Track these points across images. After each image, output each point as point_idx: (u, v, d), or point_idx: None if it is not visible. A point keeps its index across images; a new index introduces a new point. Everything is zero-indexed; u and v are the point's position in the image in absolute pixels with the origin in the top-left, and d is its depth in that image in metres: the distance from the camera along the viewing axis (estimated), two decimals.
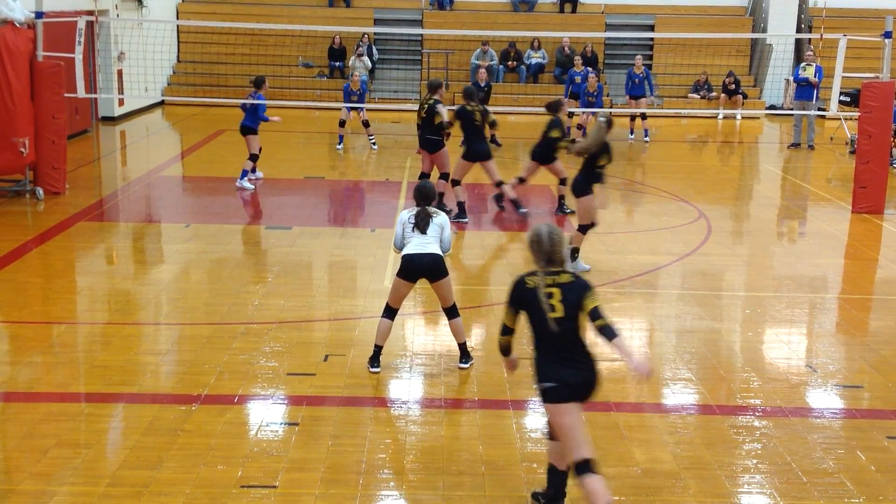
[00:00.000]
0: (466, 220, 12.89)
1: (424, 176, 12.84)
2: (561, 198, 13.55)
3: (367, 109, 19.44)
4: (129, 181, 15.99)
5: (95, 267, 11.01)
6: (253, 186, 14.96)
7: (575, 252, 10.64)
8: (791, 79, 22.19)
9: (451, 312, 7.91)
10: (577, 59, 21.76)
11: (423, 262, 7.62)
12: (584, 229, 10.67)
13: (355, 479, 6.07)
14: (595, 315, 5.40)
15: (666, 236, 12.51)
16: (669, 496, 5.99)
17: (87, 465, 6.17)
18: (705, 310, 9.73)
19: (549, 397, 5.42)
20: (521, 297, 5.48)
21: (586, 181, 10.48)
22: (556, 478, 5.72)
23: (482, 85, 19.31)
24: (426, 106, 13.01)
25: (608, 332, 5.44)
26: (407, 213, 7.84)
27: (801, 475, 6.28)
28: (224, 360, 7.93)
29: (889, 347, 8.74)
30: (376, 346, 7.87)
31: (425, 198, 7.81)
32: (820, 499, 6.02)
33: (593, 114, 19.04)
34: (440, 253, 7.71)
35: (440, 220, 7.79)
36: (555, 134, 12.82)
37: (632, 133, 20.97)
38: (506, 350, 5.78)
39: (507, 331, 5.65)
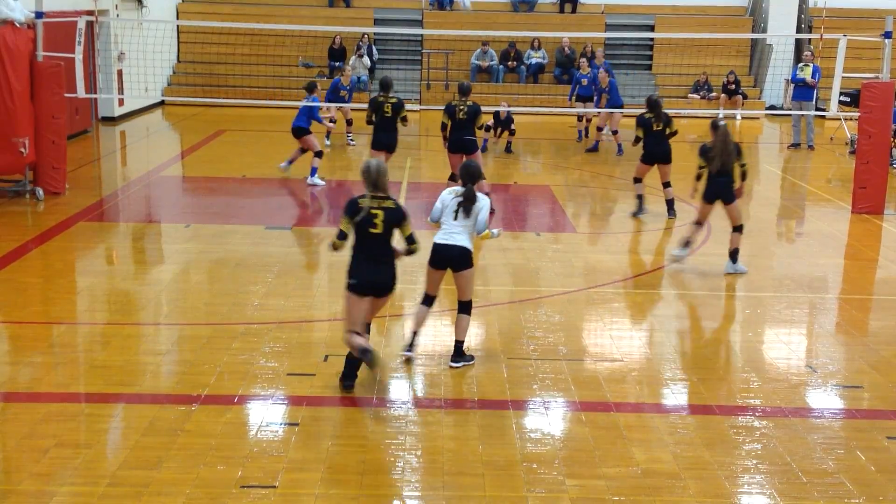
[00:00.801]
0: None
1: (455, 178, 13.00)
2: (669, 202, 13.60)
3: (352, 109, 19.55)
4: (129, 181, 15.99)
5: (95, 267, 11.01)
6: (323, 182, 15.13)
7: (735, 253, 10.80)
8: (790, 79, 22.20)
9: (464, 307, 8.00)
10: (583, 62, 21.35)
11: (450, 253, 7.83)
12: (739, 229, 10.84)
13: (355, 479, 6.07)
14: (410, 241, 7.34)
15: (665, 236, 12.50)
16: (669, 496, 5.99)
17: (87, 465, 6.17)
18: (705, 310, 9.73)
19: (351, 289, 7.24)
20: (354, 211, 7.20)
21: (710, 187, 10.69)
22: (351, 363, 7.35)
23: (502, 119, 18.77)
24: (464, 108, 13.08)
25: (413, 252, 7.41)
26: (447, 194, 7.95)
27: (801, 475, 6.28)
28: (224, 361, 7.93)
29: (889, 347, 8.74)
30: (412, 332, 8.07)
31: (472, 177, 7.93)
32: (820, 499, 6.02)
33: (611, 113, 18.96)
34: (467, 245, 7.84)
35: (480, 203, 7.90)
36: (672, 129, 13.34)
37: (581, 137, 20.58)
38: (336, 247, 7.36)
39: (342, 235, 7.29)
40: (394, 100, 13.61)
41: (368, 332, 7.57)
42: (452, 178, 13.19)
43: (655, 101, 13.54)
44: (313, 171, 15.08)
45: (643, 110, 13.48)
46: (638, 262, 11.38)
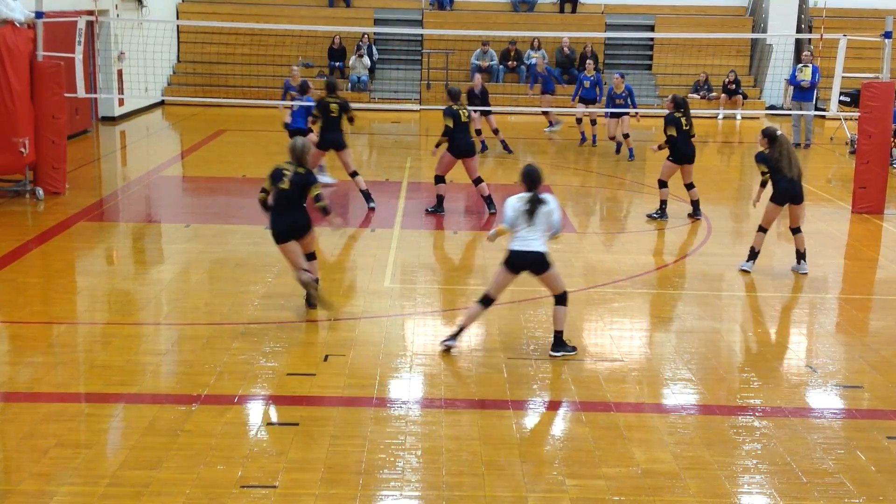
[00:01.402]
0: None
1: (480, 181, 13.36)
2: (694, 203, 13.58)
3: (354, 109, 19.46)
4: (129, 181, 15.99)
5: (95, 267, 11.01)
6: (335, 179, 15.17)
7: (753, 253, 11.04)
8: (789, 80, 22.20)
9: (560, 299, 8.21)
10: (589, 63, 20.58)
11: (527, 259, 8.04)
12: (762, 230, 11.05)
13: (355, 479, 6.07)
14: (318, 199, 8.91)
15: (666, 236, 12.51)
16: (669, 496, 5.99)
17: (87, 465, 6.17)
18: (705, 310, 9.73)
19: (274, 238, 8.90)
20: (275, 174, 8.87)
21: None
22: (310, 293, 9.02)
23: (476, 92, 18.15)
24: (467, 112, 13.32)
25: (325, 211, 9.00)
26: (516, 200, 8.07)
27: (801, 475, 6.28)
28: (224, 360, 7.93)
29: (889, 347, 8.74)
30: (460, 326, 8.26)
31: (535, 181, 8.09)
32: (820, 499, 6.02)
33: (620, 118, 18.44)
34: (543, 250, 8.03)
35: (549, 206, 8.05)
36: None
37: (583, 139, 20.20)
38: (263, 203, 8.96)
39: (264, 191, 8.93)
40: (339, 100, 13.71)
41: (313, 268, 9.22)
42: (441, 181, 13.23)
43: (683, 100, 13.54)
44: (320, 169, 15.10)
45: (667, 111, 13.43)
46: (638, 262, 11.38)
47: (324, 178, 15.04)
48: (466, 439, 6.66)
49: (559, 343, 8.24)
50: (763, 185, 10.96)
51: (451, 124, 13.02)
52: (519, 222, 8.03)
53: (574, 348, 8.29)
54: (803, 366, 8.31)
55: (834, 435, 6.95)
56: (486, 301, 8.26)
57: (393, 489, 6.01)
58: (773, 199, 10.82)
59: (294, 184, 8.81)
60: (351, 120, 13.83)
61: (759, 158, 10.81)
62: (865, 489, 6.13)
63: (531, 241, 8.00)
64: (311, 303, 9.14)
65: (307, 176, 8.91)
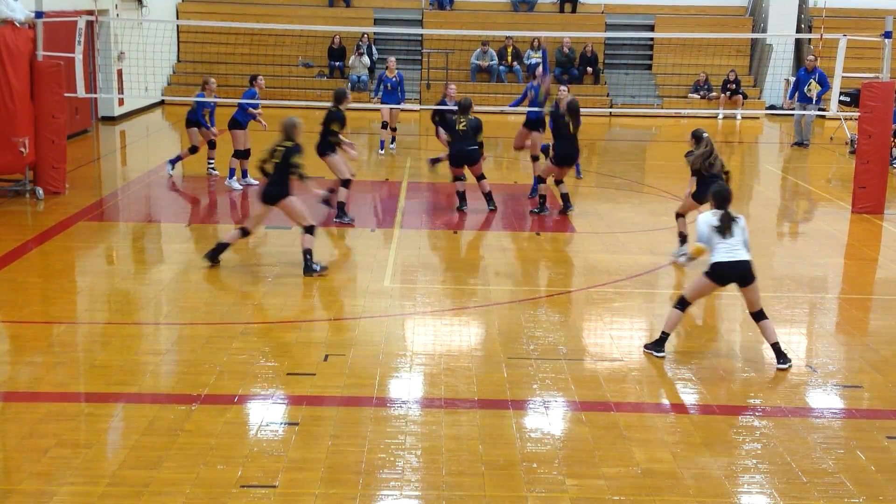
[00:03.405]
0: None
1: (482, 177, 13.57)
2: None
3: (362, 110, 19.41)
4: (129, 181, 15.99)
5: (95, 267, 11.01)
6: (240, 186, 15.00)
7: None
8: (790, 79, 22.21)
9: (759, 315, 8.18)
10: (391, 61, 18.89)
11: (735, 270, 8.01)
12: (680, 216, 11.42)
13: (355, 479, 6.07)
14: (294, 167, 10.30)
15: (666, 236, 12.49)
16: (669, 496, 5.99)
17: (87, 465, 6.17)
18: (705, 310, 9.73)
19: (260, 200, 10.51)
20: (272, 149, 10.35)
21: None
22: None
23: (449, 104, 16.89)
24: (464, 121, 13.39)
25: (301, 177, 10.39)
26: (710, 216, 8.16)
27: (801, 475, 6.28)
28: (224, 360, 7.93)
29: (889, 347, 8.74)
30: (663, 332, 8.25)
31: (726, 200, 8.22)
32: (820, 499, 6.02)
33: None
34: (749, 259, 8.04)
35: (742, 222, 8.16)
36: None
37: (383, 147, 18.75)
38: (262, 170, 10.50)
39: (263, 161, 10.45)
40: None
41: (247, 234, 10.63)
42: (459, 179, 13.39)
43: (574, 104, 13.33)
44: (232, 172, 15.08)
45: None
46: (638, 262, 11.37)
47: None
48: (466, 439, 6.66)
49: (781, 353, 8.13)
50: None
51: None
52: (715, 237, 8.06)
53: (789, 360, 8.15)
54: (803, 366, 8.31)
55: (834, 435, 6.95)
56: (683, 304, 8.26)
57: (393, 489, 6.00)
58: (694, 196, 11.23)
59: (283, 158, 10.24)
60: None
61: (689, 156, 11.27)
62: (865, 489, 6.13)
63: (738, 251, 8.01)
64: (211, 257, 10.58)
65: (296, 148, 10.33)
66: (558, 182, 13.59)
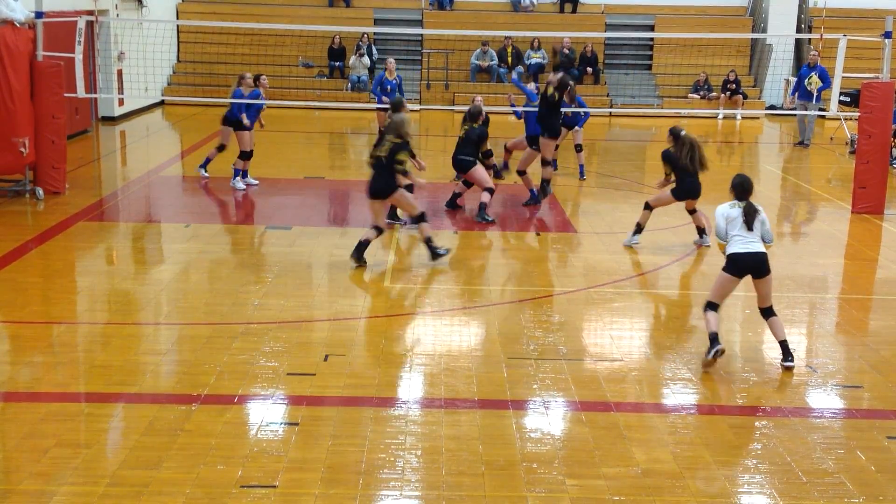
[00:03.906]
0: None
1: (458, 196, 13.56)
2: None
3: (361, 110, 19.37)
4: (129, 181, 15.99)
5: (95, 267, 11.01)
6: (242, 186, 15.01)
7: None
8: (791, 79, 22.21)
9: (769, 312, 8.19)
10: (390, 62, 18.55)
11: (750, 261, 8.03)
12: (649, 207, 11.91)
13: (355, 479, 6.07)
14: (399, 163, 10.66)
15: (666, 236, 12.50)
16: (669, 496, 5.98)
17: (87, 465, 6.17)
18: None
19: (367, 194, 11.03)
20: (378, 142, 10.87)
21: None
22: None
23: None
24: (466, 128, 13.20)
25: (403, 172, 10.77)
26: (728, 208, 8.18)
27: (801, 475, 6.28)
28: (224, 360, 7.93)
29: (889, 347, 8.74)
30: (711, 334, 8.01)
31: (748, 191, 8.21)
32: (820, 499, 6.02)
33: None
34: (765, 251, 8.10)
35: (762, 215, 8.17)
36: None
37: None
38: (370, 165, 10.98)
39: (371, 157, 10.90)
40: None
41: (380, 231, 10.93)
42: (467, 184, 13.30)
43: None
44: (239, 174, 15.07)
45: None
46: (638, 262, 11.38)
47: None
48: (466, 439, 6.66)
49: (787, 351, 8.11)
50: (667, 175, 11.73)
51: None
52: (738, 227, 8.08)
53: (792, 357, 8.11)
54: (803, 366, 8.31)
55: (834, 435, 6.95)
56: (715, 307, 8.16)
57: (393, 489, 6.00)
58: (673, 192, 11.59)
59: (390, 154, 10.62)
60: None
61: (664, 156, 11.57)
62: (865, 489, 6.13)
63: (754, 243, 8.05)
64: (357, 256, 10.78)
65: (402, 145, 10.69)
66: (546, 163, 13.59)
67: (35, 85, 13.68)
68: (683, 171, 11.43)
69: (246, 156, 14.93)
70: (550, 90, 13.27)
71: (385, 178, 10.67)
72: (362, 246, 10.78)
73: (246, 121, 14.74)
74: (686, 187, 11.61)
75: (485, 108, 13.57)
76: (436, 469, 6.23)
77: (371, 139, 20.44)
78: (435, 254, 10.82)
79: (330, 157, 18.90)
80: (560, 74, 13.59)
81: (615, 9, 27.40)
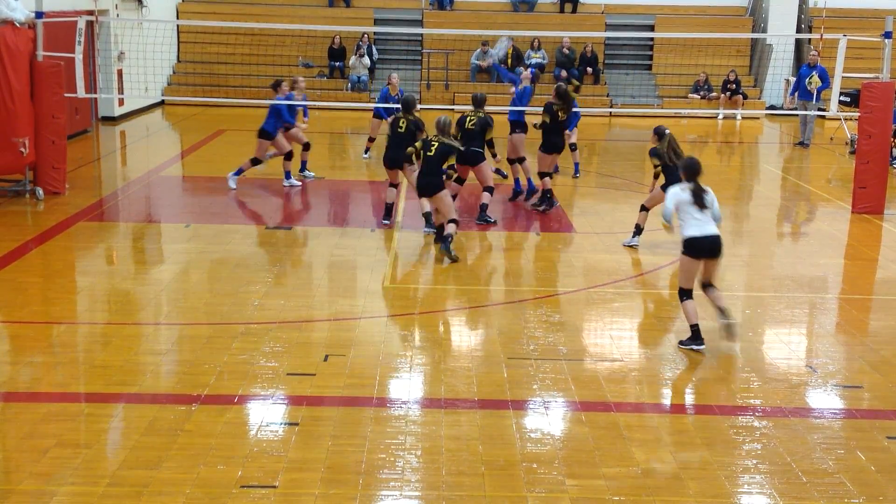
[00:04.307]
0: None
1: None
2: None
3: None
4: (129, 181, 15.99)
5: (95, 267, 11.01)
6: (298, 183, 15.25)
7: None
8: (791, 79, 22.21)
9: (710, 286, 8.56)
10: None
11: (707, 244, 8.36)
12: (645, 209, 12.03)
13: (355, 479, 6.07)
14: (451, 168, 12.03)
15: (665, 236, 12.48)
16: (669, 496, 5.99)
17: (87, 465, 6.17)
18: (705, 310, 9.72)
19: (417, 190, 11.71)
20: (425, 143, 11.40)
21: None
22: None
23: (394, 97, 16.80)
24: (474, 119, 12.80)
25: (448, 176, 11.96)
26: (679, 190, 8.49)
27: (801, 475, 6.28)
28: (224, 360, 7.93)
29: (889, 347, 8.74)
30: (692, 326, 8.44)
31: (696, 173, 8.52)
32: (820, 499, 6.02)
33: None
34: (719, 234, 8.43)
35: (711, 196, 8.49)
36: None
37: None
38: (409, 156, 11.85)
39: (413, 148, 11.62)
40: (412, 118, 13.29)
41: (429, 222, 11.58)
42: (458, 182, 13.10)
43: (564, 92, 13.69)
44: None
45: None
46: (638, 262, 11.38)
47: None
48: (466, 439, 6.66)
49: (724, 313, 8.45)
50: (656, 176, 11.97)
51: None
52: (689, 211, 8.37)
53: (735, 321, 8.51)
54: (803, 366, 8.31)
55: (834, 435, 6.95)
56: (689, 294, 8.50)
57: (393, 489, 6.01)
58: (663, 188, 11.49)
59: (438, 154, 11.24)
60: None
61: (652, 153, 11.75)
62: (865, 489, 6.13)
63: (707, 225, 8.36)
64: (444, 246, 11.08)
65: (448, 147, 11.32)
66: (545, 175, 13.62)
67: (35, 85, 13.68)
68: (670, 166, 11.49)
69: (289, 156, 15.14)
70: (554, 110, 13.33)
71: (434, 175, 11.28)
72: (448, 239, 11.04)
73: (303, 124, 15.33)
74: (674, 181, 11.58)
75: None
76: (436, 469, 6.24)
77: (375, 139, 20.45)
78: (447, 247, 11.03)
79: (330, 157, 18.90)
80: (555, 88, 13.70)
81: (615, 9, 27.39)
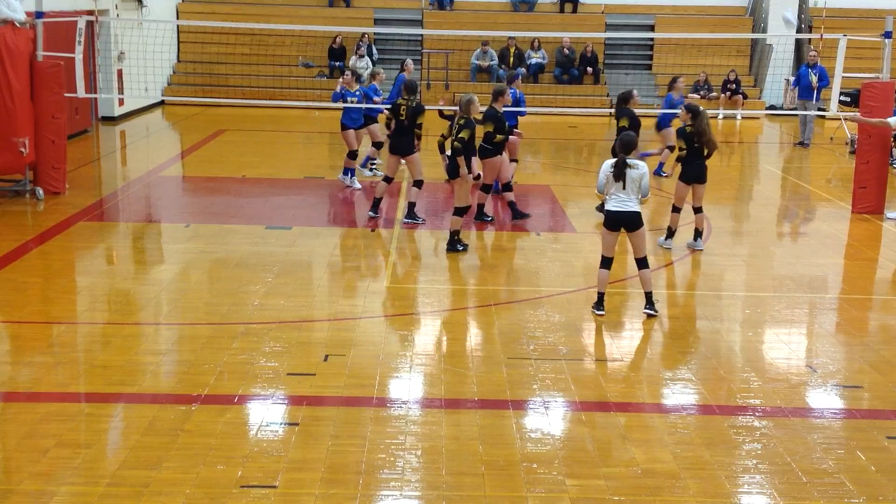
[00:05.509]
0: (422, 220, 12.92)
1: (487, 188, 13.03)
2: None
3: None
4: (129, 181, 15.99)
5: (95, 267, 11.01)
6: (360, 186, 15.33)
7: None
8: (790, 79, 22.20)
9: (642, 263, 9.21)
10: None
11: (622, 218, 9.04)
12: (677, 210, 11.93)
13: (355, 479, 6.07)
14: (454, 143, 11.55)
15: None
16: (669, 496, 5.99)
17: (87, 465, 6.17)
18: (705, 310, 9.73)
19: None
20: (452, 126, 11.52)
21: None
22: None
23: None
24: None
25: (452, 156, 11.58)
26: (609, 165, 9.06)
27: (801, 475, 6.28)
28: (224, 360, 7.93)
29: (889, 347, 8.75)
30: (599, 293, 9.24)
31: (626, 147, 9.06)
32: (820, 499, 6.02)
33: None
34: (638, 210, 9.04)
35: (638, 172, 8.99)
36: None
37: None
38: (441, 146, 12.66)
39: (442, 136, 12.45)
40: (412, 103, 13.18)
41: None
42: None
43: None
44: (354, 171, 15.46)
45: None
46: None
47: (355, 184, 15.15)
48: (466, 439, 6.66)
49: (651, 302, 9.21)
50: (678, 160, 11.65)
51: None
52: (611, 185, 8.98)
53: (656, 311, 9.17)
54: (803, 366, 8.31)
55: (834, 435, 6.95)
56: (606, 262, 9.19)
57: (393, 489, 6.01)
58: (681, 178, 11.68)
59: (459, 131, 11.27)
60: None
61: (680, 134, 11.52)
62: (865, 489, 6.13)
63: (626, 202, 8.97)
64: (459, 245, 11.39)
65: (472, 122, 11.35)
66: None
67: (35, 85, 13.68)
68: (693, 153, 11.39)
69: (353, 155, 15.23)
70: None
71: (454, 161, 11.46)
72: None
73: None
74: (692, 170, 11.58)
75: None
76: (436, 469, 6.24)
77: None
78: (454, 244, 11.37)
79: (330, 157, 18.88)
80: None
81: (615, 9, 27.40)
